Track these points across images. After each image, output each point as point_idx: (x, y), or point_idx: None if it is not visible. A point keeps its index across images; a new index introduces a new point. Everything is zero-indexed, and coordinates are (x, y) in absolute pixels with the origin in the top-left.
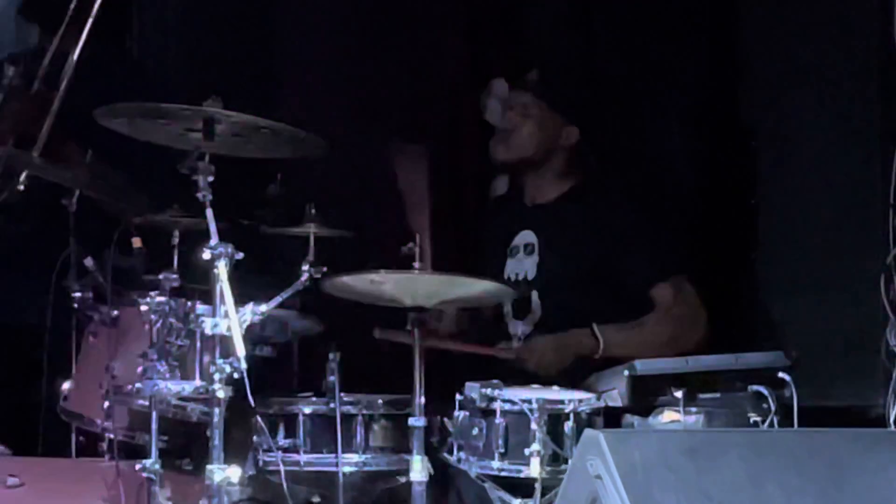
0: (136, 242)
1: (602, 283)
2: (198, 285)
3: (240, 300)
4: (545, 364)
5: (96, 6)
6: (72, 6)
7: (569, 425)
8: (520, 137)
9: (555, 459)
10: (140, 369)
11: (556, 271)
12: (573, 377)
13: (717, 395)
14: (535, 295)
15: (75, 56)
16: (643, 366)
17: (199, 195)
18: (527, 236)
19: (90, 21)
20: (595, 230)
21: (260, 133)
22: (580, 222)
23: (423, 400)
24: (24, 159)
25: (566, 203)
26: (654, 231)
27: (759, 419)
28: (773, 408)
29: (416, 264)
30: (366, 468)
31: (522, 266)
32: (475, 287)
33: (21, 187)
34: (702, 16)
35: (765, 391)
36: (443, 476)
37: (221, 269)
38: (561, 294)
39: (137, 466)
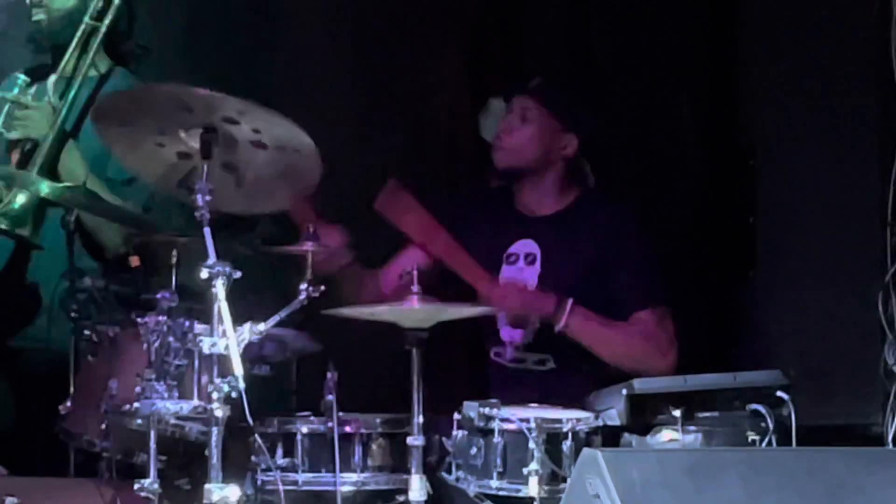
0: (135, 261)
1: (597, 299)
2: (196, 304)
3: (238, 319)
4: (507, 305)
5: (103, 28)
6: (80, 31)
7: (567, 444)
8: (519, 140)
9: (553, 479)
10: (138, 389)
11: (558, 285)
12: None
13: (716, 414)
14: None
15: (80, 74)
16: (641, 385)
17: (198, 214)
18: (528, 245)
19: (98, 41)
20: (593, 246)
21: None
22: (580, 237)
23: (421, 419)
24: (24, 179)
25: (567, 217)
26: (649, 253)
27: (757, 438)
28: (771, 427)
29: (415, 288)
30: (364, 487)
31: (522, 275)
32: (470, 311)
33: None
34: (700, 33)
35: (763, 410)
36: (441, 495)
37: (219, 289)
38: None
39: (136, 486)
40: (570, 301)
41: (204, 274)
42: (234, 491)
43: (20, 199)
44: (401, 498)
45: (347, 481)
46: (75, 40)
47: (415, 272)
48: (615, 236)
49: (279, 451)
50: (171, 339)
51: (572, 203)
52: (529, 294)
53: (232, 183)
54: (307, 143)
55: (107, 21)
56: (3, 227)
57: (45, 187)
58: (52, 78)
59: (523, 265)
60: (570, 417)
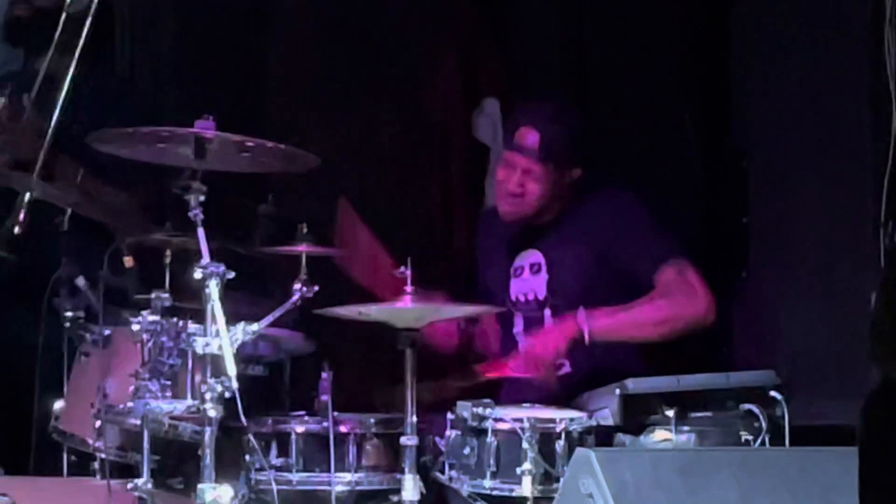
0: (129, 262)
1: (610, 295)
2: (189, 304)
3: (231, 319)
4: (540, 367)
5: (87, 27)
6: (59, 29)
7: (560, 444)
8: (529, 201)
9: (546, 478)
10: (132, 388)
11: (566, 287)
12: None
13: (709, 414)
14: (547, 314)
15: (67, 78)
16: (635, 384)
17: (191, 214)
18: (531, 256)
19: (81, 42)
20: (594, 235)
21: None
22: (581, 233)
23: (415, 419)
24: (22, 181)
25: (564, 219)
26: (652, 220)
27: (750, 438)
28: (764, 426)
29: (408, 288)
30: (358, 487)
31: (530, 286)
32: (462, 311)
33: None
34: (694, 35)
35: (756, 410)
36: (435, 495)
37: (213, 289)
38: (573, 309)
39: (129, 486)
40: (580, 310)
41: (198, 274)
42: (227, 491)
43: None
44: (394, 498)
45: (341, 481)
46: (55, 40)
47: (408, 272)
48: (613, 215)
49: (273, 451)
50: (164, 338)
51: (569, 198)
52: (552, 336)
53: None
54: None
55: (88, 21)
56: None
57: (38, 187)
58: (27, 95)
59: (529, 276)
60: (563, 417)
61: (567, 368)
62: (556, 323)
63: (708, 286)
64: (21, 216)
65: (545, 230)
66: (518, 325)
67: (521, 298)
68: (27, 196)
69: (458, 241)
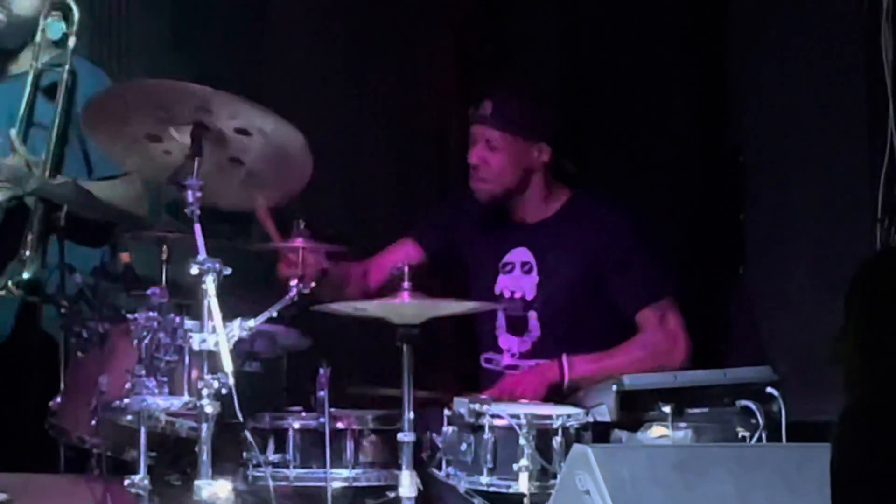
0: (125, 258)
1: (598, 305)
2: (186, 300)
3: (228, 315)
4: (523, 394)
5: (74, 27)
6: (39, 28)
7: (557, 440)
8: (493, 171)
9: (543, 474)
10: (128, 385)
11: (555, 292)
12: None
13: (706, 410)
14: (533, 315)
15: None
16: (631, 381)
17: (188, 210)
18: (522, 254)
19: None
20: (588, 248)
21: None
22: (573, 241)
23: (412, 415)
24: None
25: (558, 221)
26: (643, 250)
27: (747, 434)
28: (761, 423)
29: (406, 284)
30: (355, 483)
31: (519, 284)
32: (460, 307)
33: None
34: (690, 32)
35: (753, 406)
36: (432, 491)
37: (209, 285)
38: (561, 315)
39: (126, 482)
40: (563, 357)
41: (194, 270)
42: (224, 487)
43: (27, 272)
44: (391, 494)
45: (338, 477)
46: (36, 44)
47: (405, 268)
48: (609, 235)
49: (270, 447)
50: (161, 335)
51: (563, 205)
52: (532, 378)
53: (232, 177)
54: (295, 136)
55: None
56: (18, 295)
57: (34, 183)
58: (13, 130)
59: (520, 274)
60: (560, 413)
61: None
62: (538, 367)
63: (687, 330)
64: None
65: (537, 229)
66: (500, 323)
67: (507, 294)
68: None
69: (455, 237)
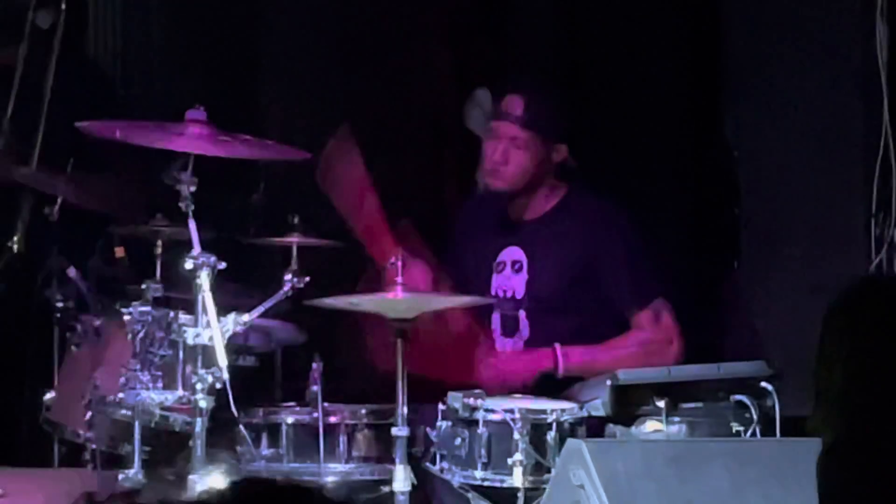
0: (120, 252)
1: (589, 303)
2: (180, 295)
3: (222, 310)
4: (507, 378)
5: (61, 21)
6: (28, 22)
7: (551, 435)
8: (513, 171)
9: (537, 469)
10: (123, 379)
11: (545, 291)
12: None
13: (700, 405)
14: (522, 314)
15: (52, 69)
16: (626, 375)
17: (182, 205)
18: (514, 253)
19: (59, 33)
20: (579, 246)
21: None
22: (565, 239)
23: (406, 410)
24: (17, 172)
25: (551, 219)
26: (638, 248)
27: (741, 429)
28: (755, 417)
29: (399, 279)
30: (349, 478)
31: (510, 283)
32: (453, 301)
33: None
34: (684, 27)
35: (747, 401)
36: (425, 486)
37: (204, 279)
38: (550, 314)
39: (120, 476)
40: (556, 346)
41: (188, 264)
42: (218, 481)
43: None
44: (385, 488)
45: (332, 471)
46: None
47: (399, 263)
48: (601, 233)
49: (264, 442)
50: (155, 329)
51: (560, 200)
52: (525, 363)
53: None
54: None
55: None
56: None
57: (25, 174)
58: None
59: (510, 273)
60: (554, 408)
61: None
62: (531, 351)
63: (681, 330)
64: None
65: (530, 227)
66: (496, 325)
67: (501, 294)
68: None
69: (450, 233)
